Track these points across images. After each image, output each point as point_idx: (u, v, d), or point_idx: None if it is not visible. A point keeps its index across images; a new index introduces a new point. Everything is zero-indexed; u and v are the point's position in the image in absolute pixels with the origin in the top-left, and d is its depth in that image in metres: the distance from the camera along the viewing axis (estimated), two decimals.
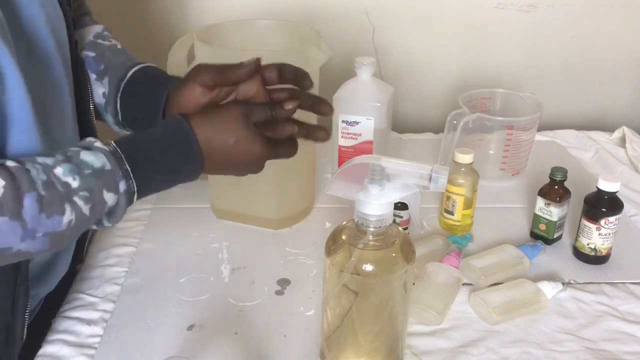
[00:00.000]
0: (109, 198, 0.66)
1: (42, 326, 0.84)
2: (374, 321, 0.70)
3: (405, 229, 1.03)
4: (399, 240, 0.67)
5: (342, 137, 1.12)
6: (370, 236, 0.66)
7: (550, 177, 1.01)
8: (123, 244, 1.01)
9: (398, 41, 1.46)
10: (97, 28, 0.92)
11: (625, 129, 1.38)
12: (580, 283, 0.94)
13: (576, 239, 0.99)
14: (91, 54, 0.88)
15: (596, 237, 0.96)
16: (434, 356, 0.81)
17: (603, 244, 0.96)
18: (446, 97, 1.47)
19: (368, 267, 0.67)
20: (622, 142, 1.37)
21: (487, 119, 1.16)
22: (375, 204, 0.63)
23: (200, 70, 0.78)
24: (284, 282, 0.94)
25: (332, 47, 1.01)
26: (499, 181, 1.21)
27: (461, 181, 1.02)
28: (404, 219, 1.01)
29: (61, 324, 0.85)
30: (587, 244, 0.97)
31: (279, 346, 0.82)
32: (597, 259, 0.97)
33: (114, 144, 0.67)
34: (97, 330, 0.84)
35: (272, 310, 0.88)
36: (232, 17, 1.10)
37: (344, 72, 1.16)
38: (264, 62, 0.96)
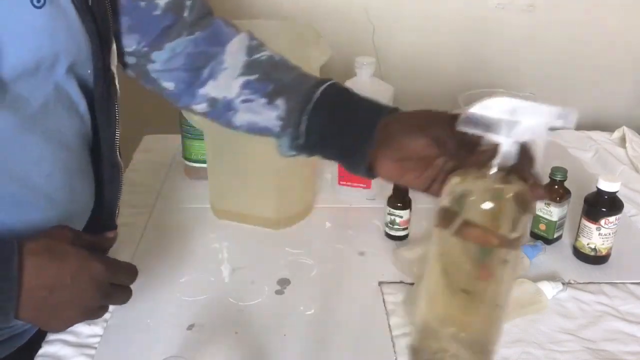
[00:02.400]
0: None
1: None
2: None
3: (405, 229, 1.03)
4: (522, 186, 0.60)
5: None
6: (492, 177, 0.59)
7: (550, 177, 1.00)
8: (123, 244, 1.01)
9: (398, 41, 1.46)
10: (244, 39, 0.81)
11: (625, 129, 1.38)
12: (580, 283, 0.94)
13: (576, 239, 0.99)
14: (252, 77, 0.77)
15: (596, 237, 0.96)
16: None
17: (603, 244, 0.96)
18: (446, 97, 1.47)
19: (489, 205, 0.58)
20: (622, 142, 1.37)
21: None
22: (506, 140, 0.59)
23: (436, 123, 0.66)
24: (284, 282, 0.94)
25: (332, 47, 1.01)
26: None
27: None
28: (404, 218, 1.01)
29: None
30: (587, 244, 0.97)
31: (279, 346, 0.82)
32: (597, 259, 0.97)
33: None
34: (97, 330, 0.84)
35: (272, 310, 0.88)
36: (232, 17, 1.10)
37: (344, 72, 1.15)
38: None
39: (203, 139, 1.14)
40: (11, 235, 0.61)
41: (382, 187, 1.16)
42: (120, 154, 0.81)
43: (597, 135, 1.41)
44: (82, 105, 0.74)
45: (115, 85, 0.76)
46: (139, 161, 1.29)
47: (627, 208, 1.05)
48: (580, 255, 0.98)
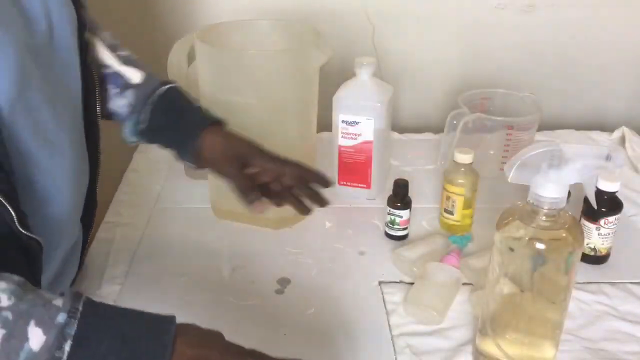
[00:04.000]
0: (34, 335, 0.52)
1: None
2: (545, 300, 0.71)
3: (405, 228, 1.03)
4: (569, 224, 0.68)
5: (342, 137, 1.12)
6: (543, 217, 0.67)
7: None
8: (123, 244, 1.01)
9: (398, 41, 1.46)
10: (107, 37, 0.92)
11: (625, 129, 1.38)
12: (580, 283, 0.94)
13: None
14: (110, 70, 0.90)
15: (596, 237, 0.96)
16: (434, 356, 0.81)
17: (603, 244, 0.96)
18: (446, 97, 1.47)
19: (540, 245, 0.67)
20: (622, 142, 1.37)
21: (487, 119, 1.16)
22: (552, 186, 0.64)
23: (239, 149, 0.86)
24: (284, 282, 0.94)
25: (332, 47, 1.01)
26: (499, 181, 1.21)
27: (461, 181, 1.02)
28: (404, 218, 1.02)
29: None
30: (587, 244, 0.97)
31: (279, 346, 0.82)
32: (596, 259, 0.97)
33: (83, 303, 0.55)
34: None
35: (272, 310, 0.88)
36: (232, 17, 1.10)
37: (344, 72, 1.16)
38: (263, 63, 0.96)
39: None
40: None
41: (382, 187, 1.16)
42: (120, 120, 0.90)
43: (597, 135, 1.41)
44: (74, 78, 0.79)
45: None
46: (139, 161, 1.29)
47: (627, 208, 1.05)
48: None
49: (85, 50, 0.80)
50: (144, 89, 0.90)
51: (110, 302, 0.88)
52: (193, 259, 0.99)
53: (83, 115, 0.81)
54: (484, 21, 1.45)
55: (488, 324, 0.75)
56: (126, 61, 0.91)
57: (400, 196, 1.01)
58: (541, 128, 1.27)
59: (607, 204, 0.94)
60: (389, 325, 0.86)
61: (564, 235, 0.67)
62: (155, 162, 1.28)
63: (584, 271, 0.97)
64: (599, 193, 0.94)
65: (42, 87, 0.68)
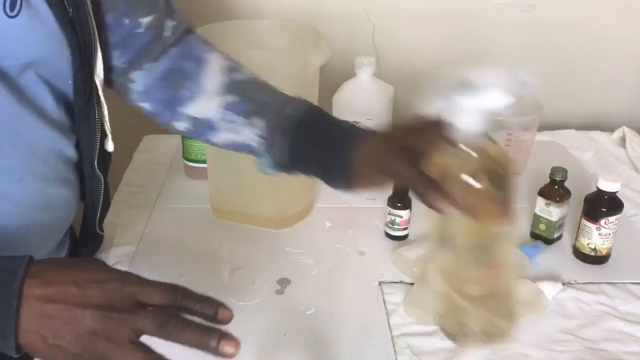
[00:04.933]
0: None
1: None
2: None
3: (405, 229, 1.03)
4: (485, 167, 0.62)
5: None
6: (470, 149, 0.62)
7: (550, 177, 1.01)
8: (123, 244, 1.01)
9: (398, 41, 1.46)
10: (222, 60, 0.82)
11: (625, 129, 1.38)
12: (580, 283, 0.94)
13: (576, 239, 0.99)
14: (232, 98, 0.78)
15: (596, 237, 0.96)
16: (434, 356, 0.81)
17: (603, 244, 0.96)
18: None
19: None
20: (622, 142, 1.37)
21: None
22: (467, 116, 0.61)
23: (407, 140, 0.68)
24: (284, 282, 0.94)
25: (332, 47, 1.01)
26: None
27: None
28: (404, 218, 1.01)
29: None
30: (587, 244, 0.97)
31: (279, 346, 0.82)
32: (597, 259, 0.97)
33: None
34: None
35: (272, 310, 0.88)
36: (232, 17, 1.10)
37: (344, 72, 1.15)
38: (263, 63, 0.96)
39: None
40: None
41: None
42: (100, 167, 0.79)
43: (597, 135, 1.41)
44: (58, 115, 0.72)
45: (100, 99, 0.74)
46: (139, 161, 1.29)
47: (627, 208, 1.05)
48: (580, 255, 0.98)
49: (83, 90, 0.72)
50: (275, 117, 0.76)
51: None
52: (193, 259, 0.99)
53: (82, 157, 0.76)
54: (484, 21, 1.45)
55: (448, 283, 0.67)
56: (247, 85, 0.80)
57: (400, 196, 1.01)
58: (541, 128, 1.27)
59: (607, 204, 0.94)
60: (389, 326, 0.86)
61: (497, 161, 0.63)
62: (155, 162, 1.28)
63: (584, 271, 0.97)
64: (600, 193, 0.94)
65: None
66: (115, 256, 0.99)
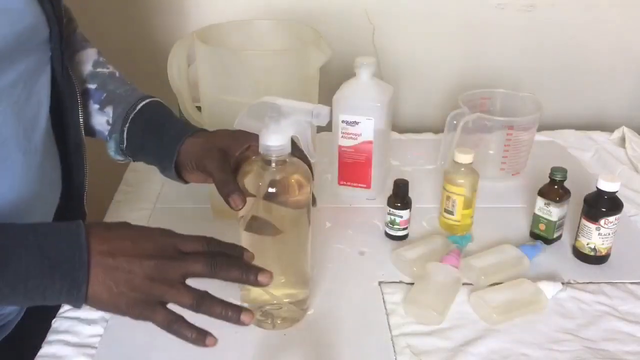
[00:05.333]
0: None
1: (42, 326, 0.84)
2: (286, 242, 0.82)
3: (405, 229, 1.03)
4: (298, 168, 0.77)
5: (342, 137, 1.12)
6: (274, 164, 0.76)
7: (550, 177, 1.01)
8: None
9: (398, 41, 1.46)
10: (93, 54, 0.92)
11: (625, 129, 1.38)
12: (580, 283, 0.94)
13: (576, 239, 0.99)
14: (92, 86, 0.90)
15: (596, 237, 0.96)
16: (434, 356, 0.81)
17: (603, 244, 0.96)
18: (446, 97, 1.47)
19: (272, 189, 0.76)
20: (622, 142, 1.37)
21: (487, 119, 1.16)
22: (275, 137, 0.73)
23: (220, 141, 0.80)
24: None
25: (332, 47, 1.01)
26: (499, 181, 1.21)
27: (461, 181, 1.02)
28: (404, 218, 1.02)
29: (61, 324, 0.85)
30: (587, 244, 0.97)
31: (278, 346, 0.82)
32: (596, 259, 0.97)
33: None
34: (98, 330, 0.84)
35: None
36: (232, 17, 1.10)
37: (344, 72, 1.16)
38: (263, 63, 0.96)
39: None
40: None
41: (382, 187, 1.16)
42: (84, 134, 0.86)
43: (596, 135, 1.41)
44: (44, 85, 0.77)
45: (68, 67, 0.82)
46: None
47: (627, 208, 1.05)
48: (579, 255, 0.99)
49: (61, 60, 0.79)
50: (124, 107, 0.88)
51: None
52: None
53: (65, 127, 0.82)
54: (484, 21, 1.45)
55: None
56: (108, 78, 0.90)
57: (400, 196, 1.01)
58: (541, 128, 1.27)
59: (607, 204, 0.94)
60: (389, 325, 0.86)
61: (292, 180, 0.77)
62: None
63: (584, 271, 0.97)
64: (599, 193, 0.94)
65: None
66: None
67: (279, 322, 0.84)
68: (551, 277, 0.94)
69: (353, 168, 1.14)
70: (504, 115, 1.19)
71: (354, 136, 1.11)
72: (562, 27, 1.46)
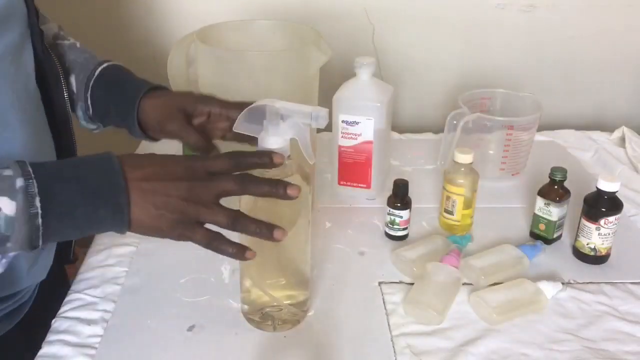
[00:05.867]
0: (3, 204, 0.57)
1: (41, 326, 0.85)
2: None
3: (405, 229, 1.03)
4: (297, 171, 0.77)
5: (342, 137, 1.12)
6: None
7: (550, 177, 1.01)
8: (123, 244, 1.01)
9: (398, 41, 1.46)
10: (54, 28, 0.92)
11: (625, 129, 1.38)
12: (580, 283, 0.94)
13: (576, 239, 0.99)
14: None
15: (596, 237, 0.96)
16: (434, 356, 0.81)
17: (603, 244, 0.96)
18: (446, 97, 1.47)
19: None
20: (622, 142, 1.37)
21: (487, 119, 1.16)
22: (274, 139, 0.73)
23: (179, 101, 0.83)
24: None
25: (332, 47, 1.01)
26: (499, 181, 1.21)
27: (461, 181, 1.02)
28: (404, 218, 1.02)
29: (61, 324, 0.85)
30: (587, 244, 0.97)
31: (279, 346, 0.82)
32: (596, 259, 0.97)
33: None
34: (97, 330, 0.84)
35: None
36: (232, 17, 1.10)
37: (344, 72, 1.16)
38: (263, 63, 0.97)
39: None
40: None
41: (382, 187, 1.16)
42: (71, 110, 0.88)
43: (596, 135, 1.41)
44: (28, 60, 0.78)
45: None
46: None
47: (627, 208, 1.05)
48: (579, 255, 0.99)
49: (40, 38, 0.80)
50: (84, 74, 0.89)
51: (110, 303, 0.89)
52: (193, 259, 0.99)
53: (51, 104, 0.83)
54: (484, 21, 1.45)
55: (250, 276, 0.83)
56: (68, 48, 0.91)
57: (400, 196, 1.01)
58: (541, 128, 1.27)
59: (607, 204, 0.94)
60: (389, 325, 0.86)
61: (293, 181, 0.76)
62: None
63: (584, 271, 0.97)
64: (599, 193, 0.94)
65: None
66: (116, 256, 0.99)
67: (279, 324, 0.84)
68: (551, 277, 0.94)
69: (353, 168, 1.14)
70: (504, 115, 1.19)
71: (353, 136, 1.11)
72: (562, 27, 1.46)
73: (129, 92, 0.85)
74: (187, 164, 0.65)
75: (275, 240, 0.67)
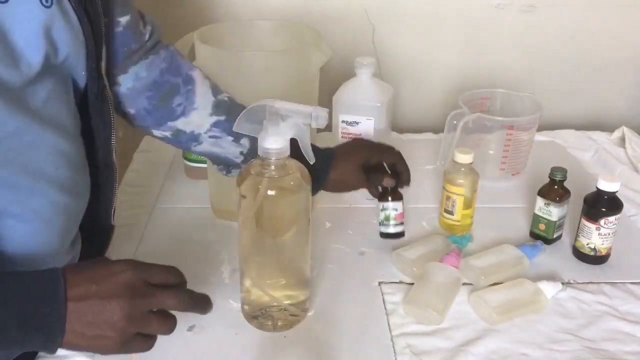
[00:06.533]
0: None
1: None
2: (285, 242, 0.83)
3: (402, 224, 1.02)
4: (297, 171, 0.78)
5: (342, 137, 1.12)
6: (273, 166, 0.76)
7: (550, 177, 1.01)
8: (123, 244, 1.01)
9: (398, 41, 1.46)
10: (204, 79, 0.91)
11: (625, 129, 1.38)
12: (580, 283, 0.94)
13: (576, 239, 0.99)
14: (221, 117, 0.90)
15: (596, 237, 0.96)
16: (434, 356, 0.81)
17: (603, 244, 0.96)
18: (446, 97, 1.47)
19: (272, 192, 0.77)
20: (622, 142, 1.37)
21: (487, 119, 1.16)
22: (274, 139, 0.74)
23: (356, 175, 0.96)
24: None
25: (332, 47, 1.01)
26: (499, 181, 1.21)
27: (461, 181, 1.02)
28: (399, 211, 1.00)
29: None
30: (587, 244, 0.97)
31: (279, 346, 0.82)
32: (596, 259, 0.97)
33: None
34: None
35: None
36: (232, 17, 1.10)
37: (344, 72, 1.16)
38: (263, 63, 0.97)
39: None
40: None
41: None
42: (116, 155, 0.82)
43: (596, 135, 1.41)
44: (75, 105, 0.75)
45: (107, 89, 0.78)
46: (139, 161, 1.29)
47: (627, 208, 1.05)
48: (579, 255, 0.99)
49: (97, 79, 0.76)
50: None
51: None
52: (193, 259, 0.99)
53: (99, 156, 0.80)
54: (484, 21, 1.45)
55: (250, 276, 0.83)
56: (232, 106, 0.91)
57: (390, 190, 1.00)
58: (541, 128, 1.27)
59: (607, 204, 0.94)
60: (389, 325, 0.86)
61: (292, 183, 0.78)
62: (155, 162, 1.28)
63: (584, 271, 0.97)
64: (599, 193, 0.94)
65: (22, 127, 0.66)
66: (115, 256, 0.99)
67: (279, 324, 0.84)
68: (551, 277, 0.94)
69: None
70: (504, 115, 1.19)
71: (354, 136, 1.11)
72: (562, 27, 1.46)
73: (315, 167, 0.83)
74: (128, 276, 0.61)
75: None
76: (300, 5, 1.40)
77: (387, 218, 1.01)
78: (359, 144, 1.01)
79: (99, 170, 0.80)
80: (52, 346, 0.59)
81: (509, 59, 1.49)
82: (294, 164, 0.78)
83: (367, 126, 1.09)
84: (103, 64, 0.77)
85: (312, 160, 0.78)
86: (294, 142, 0.77)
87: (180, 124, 0.90)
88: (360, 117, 1.09)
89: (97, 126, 0.78)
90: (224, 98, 0.92)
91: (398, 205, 1.00)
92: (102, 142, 0.79)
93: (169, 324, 0.64)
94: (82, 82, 0.75)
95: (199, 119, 0.90)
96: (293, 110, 0.74)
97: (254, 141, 0.85)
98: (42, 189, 0.70)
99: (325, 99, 1.10)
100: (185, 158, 1.21)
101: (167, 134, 0.91)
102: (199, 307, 0.68)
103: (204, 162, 1.15)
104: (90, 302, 0.59)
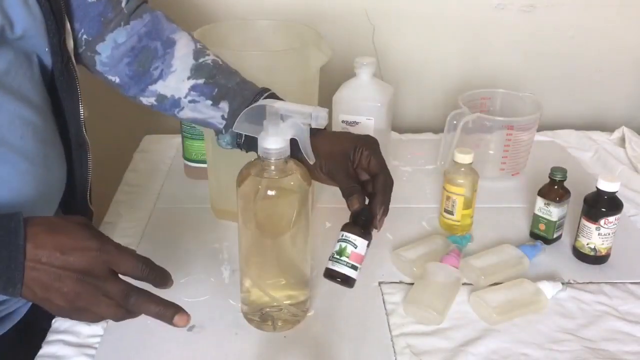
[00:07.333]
0: None
1: (41, 326, 0.85)
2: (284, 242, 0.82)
3: (355, 267, 0.89)
4: (297, 171, 0.77)
5: None
6: (273, 166, 0.76)
7: (550, 177, 1.01)
8: (123, 244, 1.01)
9: (398, 41, 1.46)
10: (189, 42, 0.89)
11: (625, 129, 1.38)
12: (580, 283, 0.94)
13: (576, 239, 0.99)
14: (200, 80, 0.86)
15: (596, 237, 0.96)
16: (434, 356, 0.81)
17: (603, 244, 0.96)
18: (446, 97, 1.47)
19: (272, 192, 0.77)
20: (622, 142, 1.37)
21: (487, 119, 1.16)
22: (274, 139, 0.74)
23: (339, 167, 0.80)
24: None
25: (332, 47, 1.01)
26: (499, 181, 1.21)
27: (461, 181, 1.02)
28: (357, 250, 0.97)
29: (61, 324, 0.85)
30: (587, 244, 0.97)
31: (279, 346, 0.82)
32: (596, 259, 0.97)
33: None
34: (97, 330, 0.84)
35: None
36: (232, 17, 1.10)
37: (344, 72, 1.16)
38: (263, 63, 0.97)
39: (203, 139, 1.14)
40: None
41: None
42: (86, 132, 0.85)
43: (596, 135, 1.41)
44: (41, 80, 0.77)
45: (73, 63, 0.80)
46: (138, 161, 1.29)
47: (627, 208, 1.05)
48: (579, 255, 0.99)
49: (61, 54, 0.78)
50: (239, 100, 0.86)
51: None
52: (193, 259, 0.99)
53: (65, 124, 0.82)
54: (484, 21, 1.45)
55: (250, 276, 0.83)
56: (214, 69, 0.87)
57: (360, 224, 0.78)
58: (541, 128, 1.27)
59: (607, 204, 0.94)
60: (389, 325, 0.86)
61: (292, 183, 0.77)
62: (155, 162, 1.28)
63: (584, 271, 0.97)
64: (599, 193, 0.94)
65: None
66: None
67: (279, 324, 0.84)
68: (551, 277, 0.94)
69: None
70: (504, 115, 1.19)
71: None
72: (562, 27, 1.46)
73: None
74: (92, 255, 0.62)
75: (176, 326, 0.65)
76: (300, 5, 1.40)
77: (340, 252, 0.77)
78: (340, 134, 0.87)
79: (72, 150, 0.83)
80: (12, 291, 0.60)
81: (509, 59, 1.49)
82: (294, 164, 0.78)
83: (367, 126, 1.09)
84: (68, 39, 0.79)
85: (312, 160, 0.78)
86: (294, 142, 0.77)
87: (161, 87, 0.87)
88: (360, 117, 1.09)
89: (65, 101, 0.80)
90: (207, 61, 0.88)
91: (360, 242, 0.77)
92: (72, 117, 0.81)
93: (118, 313, 0.64)
94: (47, 59, 0.77)
95: (176, 82, 0.87)
96: (293, 111, 0.74)
97: (233, 103, 0.86)
98: (4, 155, 0.71)
99: (325, 99, 1.10)
100: (185, 158, 1.21)
101: (152, 100, 0.89)
102: (157, 279, 0.66)
103: (204, 162, 1.15)
104: (47, 268, 0.60)
